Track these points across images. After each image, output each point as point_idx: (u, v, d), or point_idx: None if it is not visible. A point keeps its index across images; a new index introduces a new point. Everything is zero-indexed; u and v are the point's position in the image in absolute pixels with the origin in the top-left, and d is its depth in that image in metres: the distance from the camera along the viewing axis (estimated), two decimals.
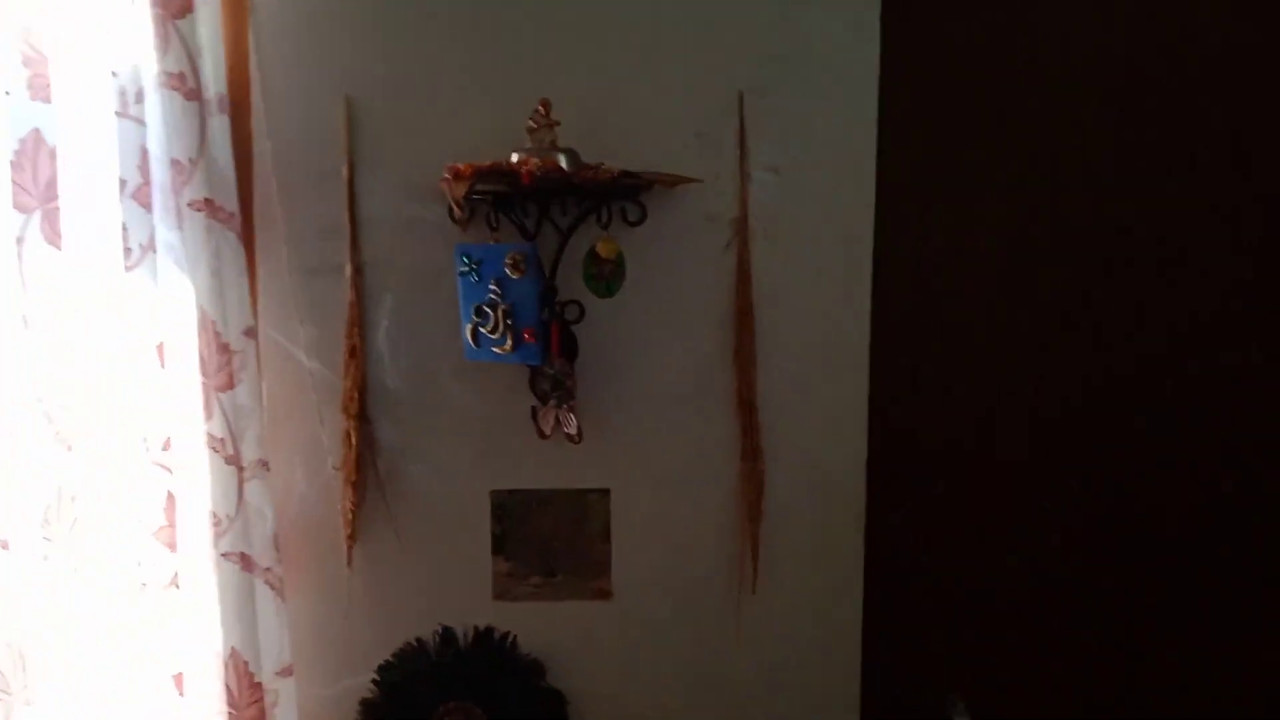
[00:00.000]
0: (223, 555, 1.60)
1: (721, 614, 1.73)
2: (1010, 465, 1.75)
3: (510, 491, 1.71)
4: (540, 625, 1.72)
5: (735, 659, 1.74)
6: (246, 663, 1.62)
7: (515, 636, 1.71)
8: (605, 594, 1.73)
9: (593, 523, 1.72)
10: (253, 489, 1.60)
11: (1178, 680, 1.79)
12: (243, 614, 1.62)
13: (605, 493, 1.72)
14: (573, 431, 1.63)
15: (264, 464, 1.60)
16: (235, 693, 1.63)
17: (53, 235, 1.38)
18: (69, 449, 1.41)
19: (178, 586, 1.66)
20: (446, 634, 1.71)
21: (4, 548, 1.26)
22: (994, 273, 1.72)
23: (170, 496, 1.65)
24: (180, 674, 1.67)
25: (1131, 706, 1.79)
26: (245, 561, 1.61)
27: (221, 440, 1.57)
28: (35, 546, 1.31)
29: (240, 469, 1.59)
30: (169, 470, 1.59)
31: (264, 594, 1.63)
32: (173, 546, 1.65)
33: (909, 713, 1.77)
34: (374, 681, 1.71)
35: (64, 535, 1.34)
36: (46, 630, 1.41)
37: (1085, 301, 1.72)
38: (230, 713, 1.64)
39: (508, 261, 1.54)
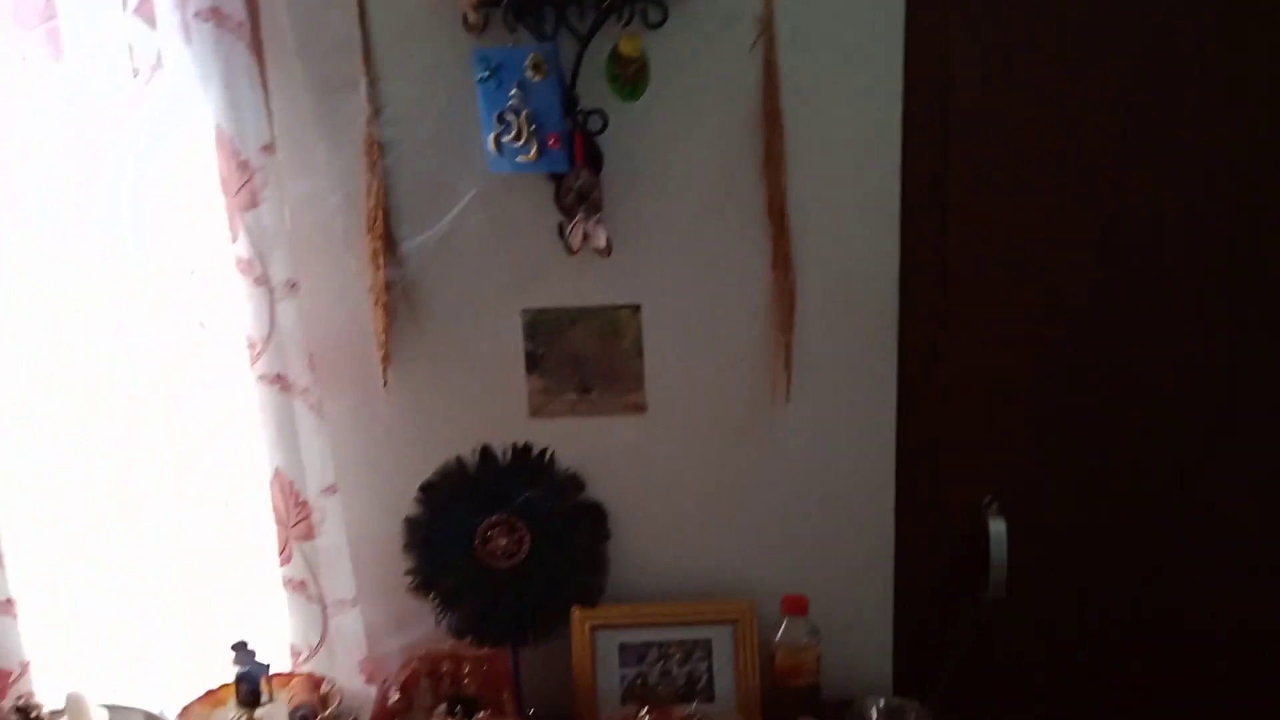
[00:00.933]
0: (260, 378, 1.62)
1: (755, 425, 1.74)
2: (1044, 263, 1.72)
3: (541, 310, 1.71)
4: (577, 441, 1.74)
5: (769, 469, 1.75)
6: (292, 482, 1.66)
7: (553, 452, 1.74)
8: (639, 408, 1.73)
9: (625, 339, 1.71)
10: (284, 310, 1.60)
11: (1217, 483, 1.79)
12: (284, 435, 1.64)
13: (636, 309, 1.71)
14: (601, 245, 1.61)
15: (293, 285, 1.60)
16: (283, 511, 1.68)
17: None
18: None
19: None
20: (486, 452, 1.74)
21: None
22: (1026, 73, 1.65)
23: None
24: (229, 494, 1.73)
25: (1165, 507, 1.81)
26: (283, 383, 1.62)
27: (249, 262, 1.57)
28: None
29: (270, 290, 1.58)
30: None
31: (304, 414, 1.64)
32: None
33: (944, 520, 1.79)
34: (417, 500, 1.75)
35: None
36: None
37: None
38: (279, 530, 1.69)
39: (529, 64, 1.49)
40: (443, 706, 1.61)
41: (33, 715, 1.56)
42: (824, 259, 1.68)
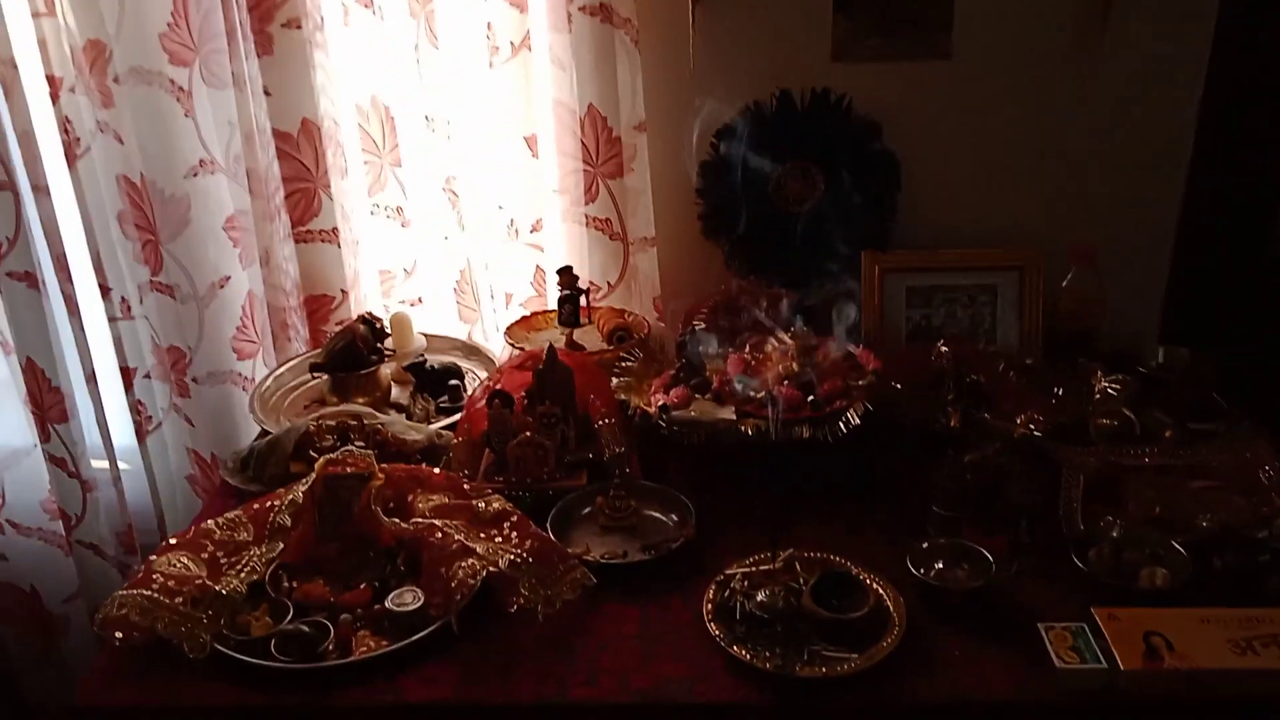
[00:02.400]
0: (579, 9, 1.63)
1: (1061, 77, 1.72)
2: None
3: None
4: (877, 87, 1.74)
5: (1070, 122, 1.74)
6: (605, 118, 1.71)
7: (851, 98, 1.75)
8: (945, 53, 1.71)
9: None
10: None
11: None
12: (601, 70, 1.67)
13: None
14: None
15: None
16: (592, 149, 1.74)
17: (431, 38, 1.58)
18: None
19: (529, 48, 1.72)
20: (784, 97, 1.75)
21: None
22: None
23: None
24: (534, 135, 1.79)
25: None
26: (605, 13, 1.63)
27: None
28: None
29: None
30: None
31: (622, 47, 1.67)
32: (522, 7, 1.69)
33: (1234, 204, 1.78)
34: (713, 144, 1.79)
35: None
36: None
37: None
38: (586, 169, 1.76)
39: None
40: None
41: (377, 325, 1.72)
42: None
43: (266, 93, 1.73)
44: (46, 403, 1.62)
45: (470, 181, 1.81)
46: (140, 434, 1.76)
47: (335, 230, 1.83)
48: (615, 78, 1.69)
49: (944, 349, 1.63)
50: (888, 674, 1.12)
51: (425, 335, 1.85)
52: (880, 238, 1.79)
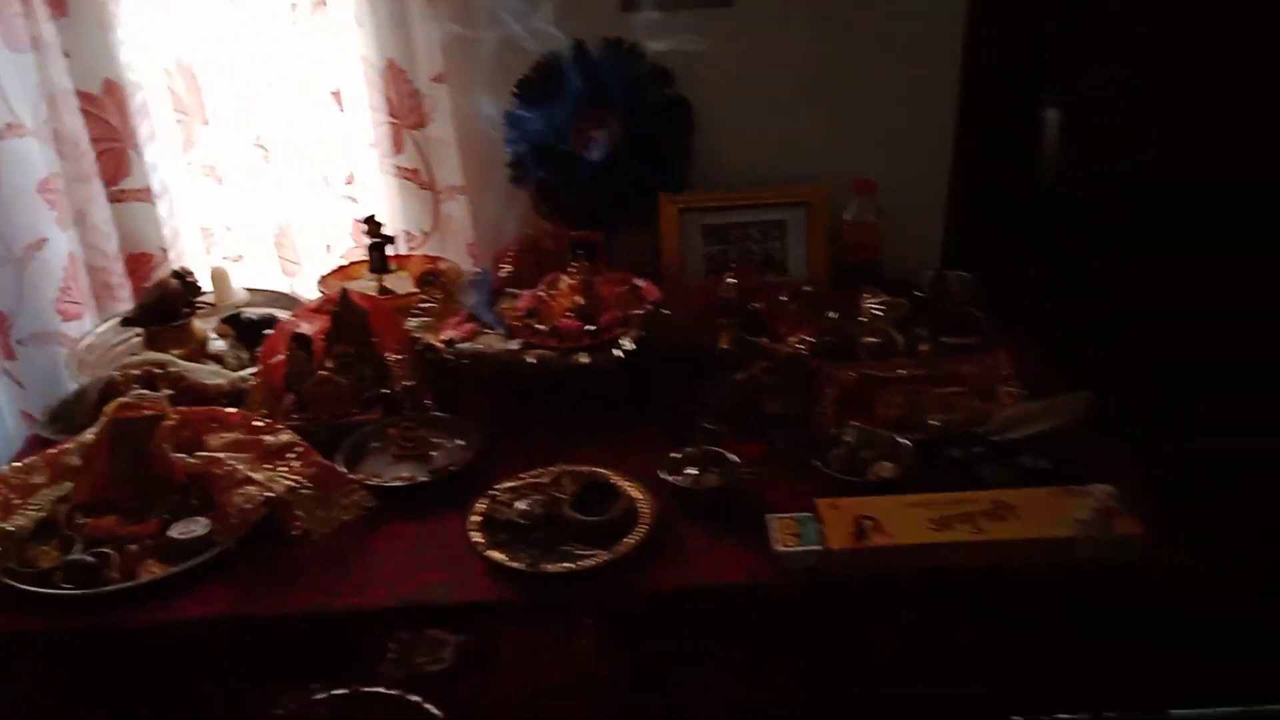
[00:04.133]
0: None
1: (837, 20, 1.83)
2: None
3: None
4: (665, 35, 1.82)
5: (847, 63, 1.86)
6: (404, 71, 1.78)
7: (642, 45, 1.83)
8: (726, 1, 1.82)
9: None
10: None
11: None
12: (396, 24, 1.74)
13: None
14: None
15: None
16: (395, 101, 1.81)
17: None
18: None
19: (325, 4, 1.78)
20: (578, 46, 1.84)
21: None
22: None
23: None
24: (338, 90, 1.85)
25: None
26: None
27: None
28: None
29: None
30: None
31: (414, 2, 1.74)
32: None
33: (1001, 136, 1.92)
34: (514, 94, 1.87)
35: None
36: None
37: None
38: (392, 121, 1.83)
39: None
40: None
41: (189, 279, 1.77)
42: None
43: (66, 54, 1.76)
44: None
45: (281, 138, 1.86)
46: None
47: (149, 189, 1.86)
48: (410, 31, 1.75)
49: (730, 280, 1.75)
50: (631, 567, 1.24)
51: (249, 290, 1.91)
52: (675, 180, 1.90)
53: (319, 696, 1.75)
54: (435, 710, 1.69)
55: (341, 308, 1.56)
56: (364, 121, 1.85)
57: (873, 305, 1.69)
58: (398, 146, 1.84)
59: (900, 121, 1.90)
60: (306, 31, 1.80)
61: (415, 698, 1.73)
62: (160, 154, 1.88)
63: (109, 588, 1.22)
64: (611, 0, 1.81)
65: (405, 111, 1.82)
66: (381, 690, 1.78)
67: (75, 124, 1.79)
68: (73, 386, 1.81)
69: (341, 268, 1.91)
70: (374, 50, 1.76)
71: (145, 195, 1.87)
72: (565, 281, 1.66)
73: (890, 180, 1.90)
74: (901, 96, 1.89)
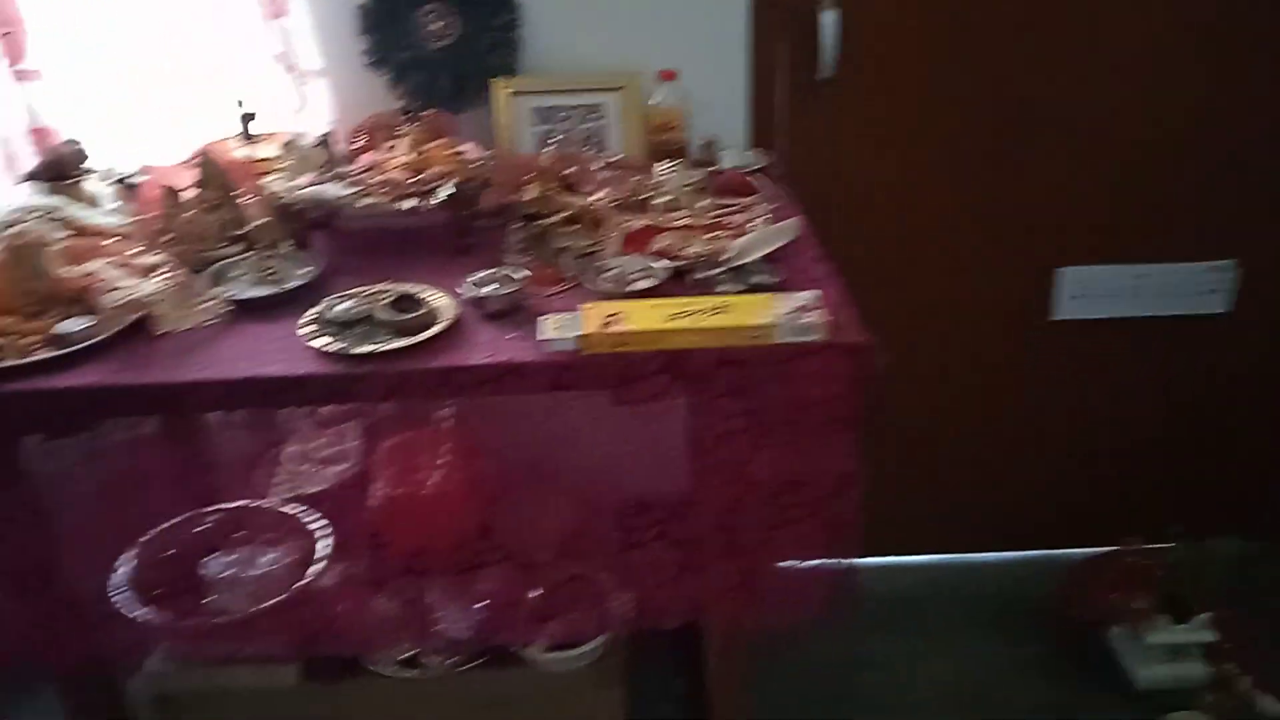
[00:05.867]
0: None
1: None
2: None
3: None
4: None
5: None
6: None
7: None
8: None
9: None
10: None
11: None
12: None
13: None
14: None
15: None
16: None
17: None
18: None
19: None
20: None
21: None
22: None
23: None
24: None
25: None
26: None
27: None
28: None
29: None
30: None
31: None
32: None
33: (792, 25, 2.25)
34: None
35: None
36: None
37: None
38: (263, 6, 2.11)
39: None
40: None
41: (78, 147, 2.03)
42: None
43: None
44: None
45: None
46: None
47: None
48: None
49: (548, 150, 2.07)
50: (428, 352, 1.57)
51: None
52: (508, 66, 2.21)
53: (206, 510, 2.09)
54: (317, 521, 2.01)
55: (204, 162, 1.86)
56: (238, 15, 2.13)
57: (664, 172, 2.03)
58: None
59: (700, 22, 2.23)
60: None
61: (296, 508, 2.06)
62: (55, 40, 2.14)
63: (4, 363, 1.53)
64: None
65: (270, 2, 2.10)
66: (263, 505, 2.11)
67: None
68: None
69: (215, 144, 2.19)
70: None
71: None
72: (401, 145, 1.97)
73: (697, 71, 2.22)
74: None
